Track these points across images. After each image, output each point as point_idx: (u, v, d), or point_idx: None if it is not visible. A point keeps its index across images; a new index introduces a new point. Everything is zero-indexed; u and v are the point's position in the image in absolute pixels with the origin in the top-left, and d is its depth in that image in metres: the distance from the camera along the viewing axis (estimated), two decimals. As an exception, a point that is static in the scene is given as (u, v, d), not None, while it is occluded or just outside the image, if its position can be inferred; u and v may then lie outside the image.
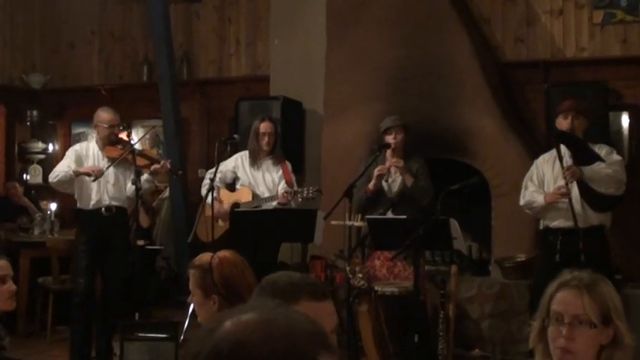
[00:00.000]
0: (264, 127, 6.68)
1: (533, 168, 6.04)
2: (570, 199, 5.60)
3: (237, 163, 6.78)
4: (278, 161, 6.75)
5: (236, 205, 6.58)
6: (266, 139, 6.66)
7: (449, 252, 6.97)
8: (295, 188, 6.54)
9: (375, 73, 7.57)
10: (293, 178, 6.75)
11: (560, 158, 5.68)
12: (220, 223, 6.60)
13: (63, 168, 6.51)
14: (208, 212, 6.50)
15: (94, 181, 6.41)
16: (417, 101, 7.33)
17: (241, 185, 6.74)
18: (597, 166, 5.65)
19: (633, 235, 7.19)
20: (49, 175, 6.62)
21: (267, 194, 6.63)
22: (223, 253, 3.26)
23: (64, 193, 7.11)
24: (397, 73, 7.46)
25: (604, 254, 5.76)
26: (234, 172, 6.76)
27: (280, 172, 6.71)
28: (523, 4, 7.88)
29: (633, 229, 7.12)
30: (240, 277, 3.17)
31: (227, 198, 6.73)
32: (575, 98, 6.03)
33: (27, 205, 8.96)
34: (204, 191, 6.78)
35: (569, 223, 5.66)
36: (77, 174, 6.45)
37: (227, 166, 6.81)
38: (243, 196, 6.64)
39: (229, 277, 3.15)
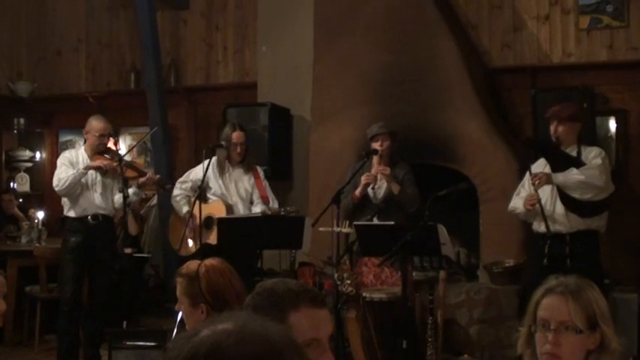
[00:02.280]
0: (237, 136, 6.62)
1: (527, 174, 6.02)
2: (541, 205, 5.61)
3: (207, 171, 6.71)
4: (249, 169, 6.73)
5: (210, 219, 6.51)
6: (238, 148, 6.61)
7: (437, 258, 6.96)
8: (271, 205, 6.50)
9: (363, 79, 7.58)
10: (266, 184, 6.72)
11: (529, 167, 5.72)
12: (190, 243, 6.54)
13: (67, 173, 6.45)
14: (183, 225, 6.48)
15: (104, 174, 6.39)
16: (405, 107, 7.33)
17: (213, 195, 6.66)
18: (569, 172, 5.64)
19: (621, 239, 7.21)
20: (55, 184, 6.48)
21: (240, 203, 6.58)
22: (210, 262, 3.25)
23: (52, 201, 7.08)
24: (384, 78, 7.47)
25: (592, 258, 5.75)
26: (205, 181, 6.69)
27: (252, 180, 6.68)
28: (510, 10, 7.91)
29: (621, 233, 7.13)
30: (228, 285, 3.16)
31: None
32: (562, 104, 6.01)
33: (19, 217, 8.89)
34: (176, 204, 6.74)
35: (556, 228, 5.67)
36: (88, 169, 6.42)
37: (197, 174, 6.74)
38: (216, 210, 6.52)
39: (216, 285, 3.14)
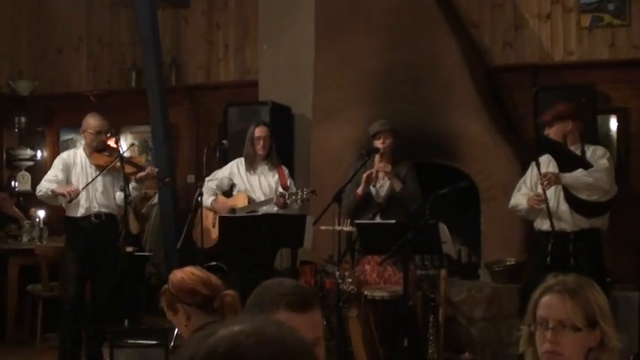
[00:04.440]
0: (259, 131, 6.72)
1: (528, 171, 6.01)
2: (547, 204, 5.58)
3: (232, 170, 6.81)
4: (274, 166, 6.77)
5: (232, 210, 6.58)
6: (261, 143, 6.69)
7: (438, 256, 6.96)
8: (290, 190, 6.56)
9: (364, 77, 7.57)
10: (290, 182, 6.77)
11: (538, 164, 5.68)
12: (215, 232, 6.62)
13: (49, 179, 6.50)
14: (205, 219, 6.52)
15: (68, 202, 6.41)
16: (406, 105, 7.33)
17: (237, 191, 6.74)
18: (577, 174, 5.61)
19: (622, 238, 7.20)
20: (37, 188, 6.62)
21: (263, 198, 6.63)
22: (174, 271, 3.40)
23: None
24: (386, 77, 7.46)
25: (595, 257, 5.74)
26: (231, 179, 6.77)
27: (276, 176, 6.73)
28: (511, 9, 7.91)
29: (622, 232, 7.12)
30: (197, 279, 3.27)
31: (224, 204, 6.74)
32: (554, 105, 5.96)
33: (18, 216, 8.88)
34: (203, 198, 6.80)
35: (561, 226, 5.65)
36: (55, 194, 6.44)
37: (223, 173, 6.84)
38: (238, 201, 6.67)
39: (183, 283, 3.27)
